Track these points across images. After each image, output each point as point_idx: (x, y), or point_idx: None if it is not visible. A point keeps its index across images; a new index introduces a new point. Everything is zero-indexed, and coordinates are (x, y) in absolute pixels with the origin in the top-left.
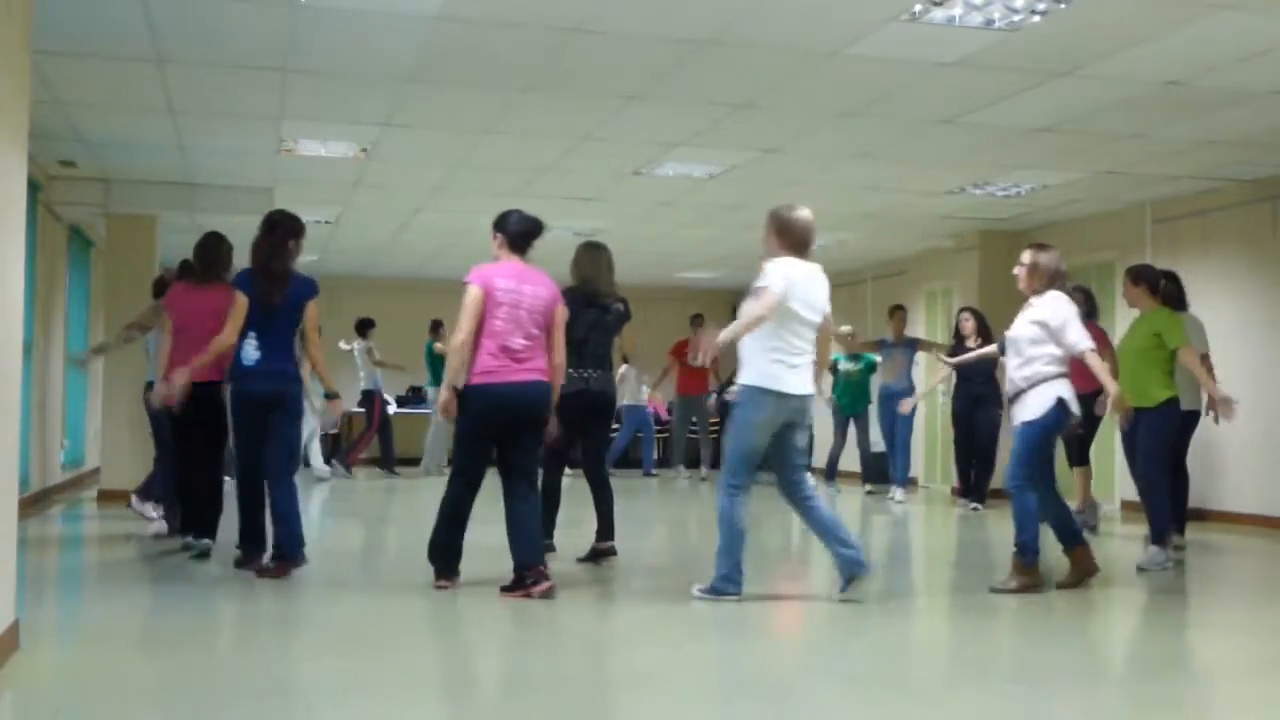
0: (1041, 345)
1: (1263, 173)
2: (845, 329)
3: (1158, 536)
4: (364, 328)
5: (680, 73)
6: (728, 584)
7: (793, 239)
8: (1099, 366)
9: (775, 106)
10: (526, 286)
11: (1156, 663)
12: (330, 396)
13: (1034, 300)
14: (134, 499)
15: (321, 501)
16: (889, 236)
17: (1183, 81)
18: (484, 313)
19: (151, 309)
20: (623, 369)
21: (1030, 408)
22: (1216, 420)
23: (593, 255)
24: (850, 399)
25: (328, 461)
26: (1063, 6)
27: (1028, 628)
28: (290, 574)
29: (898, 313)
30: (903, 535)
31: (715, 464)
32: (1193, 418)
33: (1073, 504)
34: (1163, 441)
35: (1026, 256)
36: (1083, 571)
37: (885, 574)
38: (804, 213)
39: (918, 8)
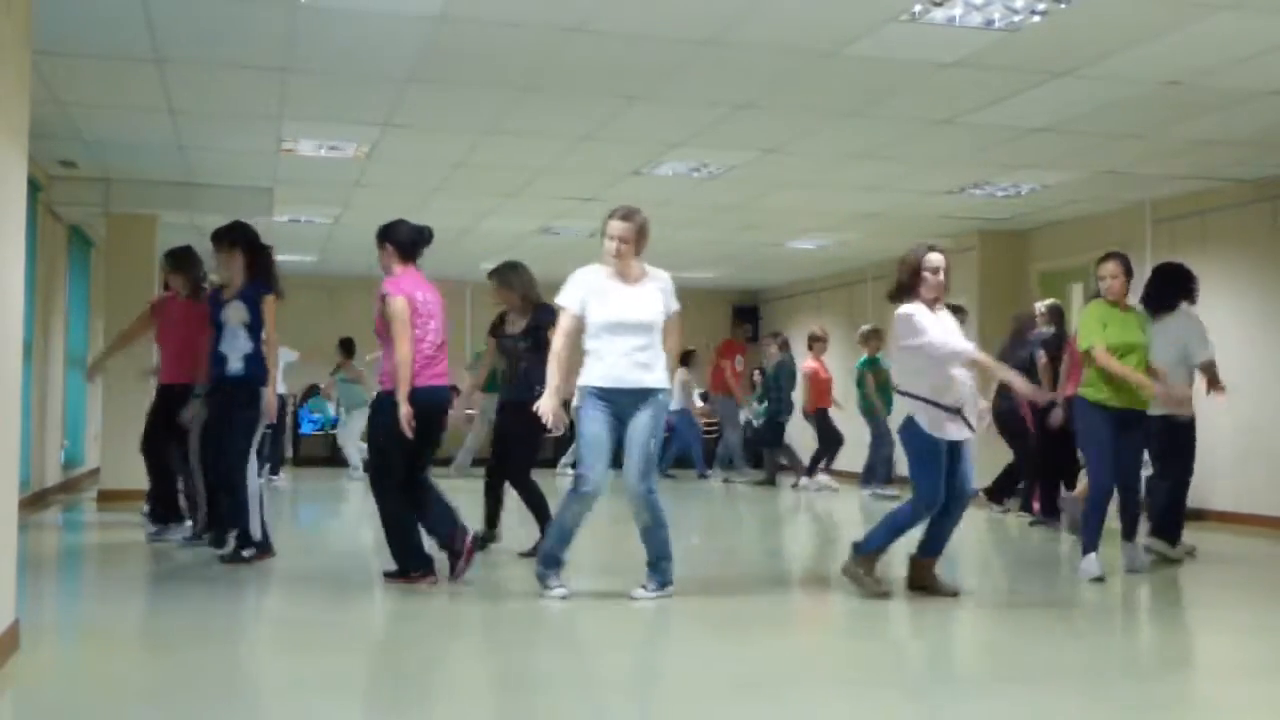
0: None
1: (1263, 173)
2: (865, 327)
3: (1129, 533)
4: None
5: (680, 73)
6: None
7: (648, 242)
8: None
9: (775, 106)
10: (431, 295)
11: (1156, 663)
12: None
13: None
14: (145, 506)
15: (324, 502)
16: (889, 236)
17: (1183, 81)
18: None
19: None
20: (678, 371)
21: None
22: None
23: (524, 274)
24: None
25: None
26: (1063, 6)
27: (1027, 628)
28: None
29: (958, 314)
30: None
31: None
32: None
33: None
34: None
35: (942, 261)
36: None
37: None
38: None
39: (918, 8)
